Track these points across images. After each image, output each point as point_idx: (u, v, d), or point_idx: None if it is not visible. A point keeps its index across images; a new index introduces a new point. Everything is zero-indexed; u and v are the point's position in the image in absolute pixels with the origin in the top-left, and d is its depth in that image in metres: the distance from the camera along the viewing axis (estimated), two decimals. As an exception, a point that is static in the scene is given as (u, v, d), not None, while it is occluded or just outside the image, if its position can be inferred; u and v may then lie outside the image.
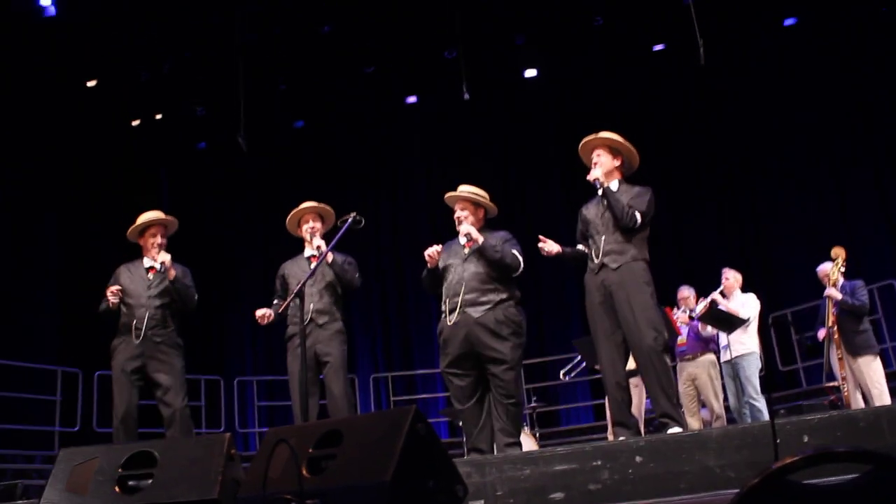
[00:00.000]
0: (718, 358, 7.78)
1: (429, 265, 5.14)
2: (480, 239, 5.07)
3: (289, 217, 5.88)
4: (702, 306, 7.57)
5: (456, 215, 5.26)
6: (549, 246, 5.06)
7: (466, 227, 5.14)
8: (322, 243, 5.60)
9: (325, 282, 5.63)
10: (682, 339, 7.73)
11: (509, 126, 12.62)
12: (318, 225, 5.80)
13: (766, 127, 11.10)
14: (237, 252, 12.58)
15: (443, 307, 5.12)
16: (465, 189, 5.31)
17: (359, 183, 12.73)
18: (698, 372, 7.67)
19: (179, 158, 12.35)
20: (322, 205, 5.87)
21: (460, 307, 4.97)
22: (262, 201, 12.38)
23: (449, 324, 5.01)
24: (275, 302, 5.76)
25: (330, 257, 5.55)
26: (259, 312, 5.58)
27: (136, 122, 11.45)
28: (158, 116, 11.46)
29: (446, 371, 5.07)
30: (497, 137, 12.67)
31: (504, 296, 5.03)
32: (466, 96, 10.27)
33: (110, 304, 5.60)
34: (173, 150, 12.18)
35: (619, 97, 11.63)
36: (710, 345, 7.75)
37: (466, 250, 5.16)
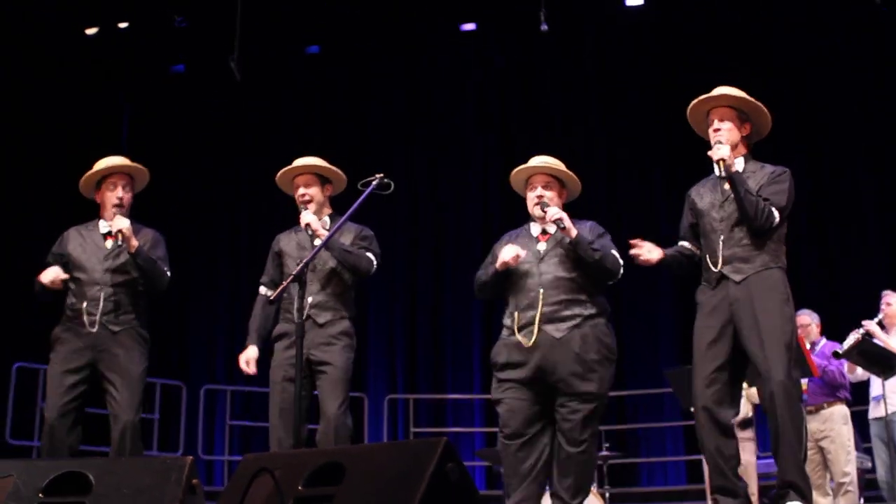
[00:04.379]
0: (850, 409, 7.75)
1: (499, 268, 5.16)
2: (574, 231, 5.09)
3: (279, 175, 5.93)
4: (851, 340, 7.48)
5: (536, 194, 5.27)
6: (648, 252, 5.05)
7: (557, 210, 5.14)
8: (312, 220, 5.61)
9: (328, 267, 5.67)
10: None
11: (599, 72, 12.63)
12: (314, 192, 5.81)
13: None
14: (217, 217, 12.72)
15: (507, 321, 5.19)
16: (546, 161, 5.35)
17: (388, 135, 12.77)
18: (826, 429, 7.61)
19: (147, 85, 12.41)
20: (323, 163, 5.87)
21: (538, 324, 5.02)
22: (256, 150, 12.42)
23: (520, 343, 5.05)
24: (261, 291, 5.84)
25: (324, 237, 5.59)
26: (244, 360, 5.69)
27: (91, 31, 11.52)
28: (122, 25, 11.50)
29: (505, 382, 5.10)
30: (581, 86, 12.68)
31: (594, 310, 5.11)
32: (545, 27, 10.22)
33: (48, 285, 5.64)
34: (140, 73, 12.25)
35: (762, 36, 11.71)
36: (840, 392, 7.72)
37: (543, 245, 5.21)
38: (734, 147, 5.01)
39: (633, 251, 5.05)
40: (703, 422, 4.84)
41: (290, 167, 5.86)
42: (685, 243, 5.18)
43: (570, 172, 5.32)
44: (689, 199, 5.18)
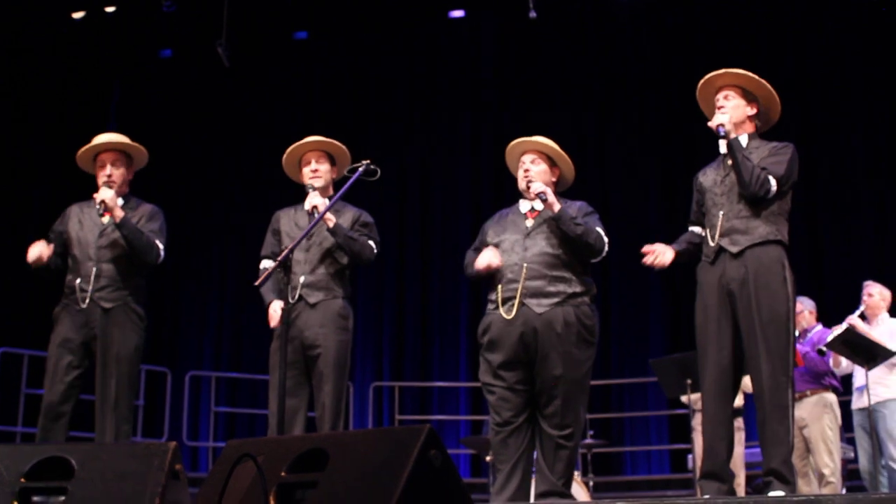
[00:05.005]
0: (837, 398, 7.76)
1: (481, 271, 5.15)
2: (557, 205, 5.09)
3: (286, 154, 5.86)
4: (835, 333, 7.47)
5: (524, 168, 5.29)
6: (661, 256, 5.04)
7: (540, 185, 5.16)
8: (320, 202, 5.53)
9: (323, 248, 5.62)
10: None
11: (590, 58, 12.70)
12: (325, 168, 5.76)
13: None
14: (206, 204, 12.74)
15: (491, 296, 5.18)
16: (539, 139, 5.35)
17: (377, 121, 12.85)
18: (808, 417, 7.61)
19: (135, 70, 12.50)
20: (332, 141, 5.81)
21: (519, 298, 5.02)
22: (245, 136, 12.53)
23: (502, 317, 5.05)
24: (263, 265, 5.75)
25: (331, 222, 5.51)
26: (273, 309, 5.52)
27: (78, 15, 11.58)
28: (110, 9, 11.57)
29: (495, 372, 5.09)
30: (572, 73, 12.72)
31: (578, 288, 5.09)
32: (533, 14, 10.22)
33: (42, 259, 5.68)
34: (127, 58, 12.34)
35: (761, 23, 11.81)
36: (825, 380, 7.73)
37: (530, 222, 5.21)
38: (740, 125, 5.02)
39: (645, 259, 5.04)
40: (709, 406, 4.83)
41: (302, 142, 5.81)
42: (695, 228, 5.18)
43: (562, 151, 5.30)
44: (696, 181, 5.19)
